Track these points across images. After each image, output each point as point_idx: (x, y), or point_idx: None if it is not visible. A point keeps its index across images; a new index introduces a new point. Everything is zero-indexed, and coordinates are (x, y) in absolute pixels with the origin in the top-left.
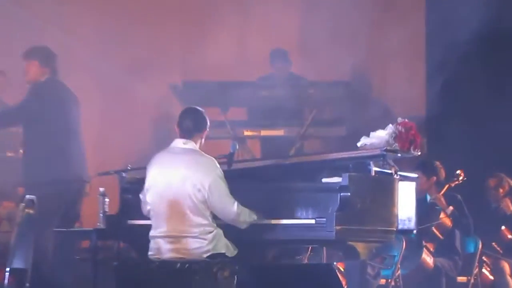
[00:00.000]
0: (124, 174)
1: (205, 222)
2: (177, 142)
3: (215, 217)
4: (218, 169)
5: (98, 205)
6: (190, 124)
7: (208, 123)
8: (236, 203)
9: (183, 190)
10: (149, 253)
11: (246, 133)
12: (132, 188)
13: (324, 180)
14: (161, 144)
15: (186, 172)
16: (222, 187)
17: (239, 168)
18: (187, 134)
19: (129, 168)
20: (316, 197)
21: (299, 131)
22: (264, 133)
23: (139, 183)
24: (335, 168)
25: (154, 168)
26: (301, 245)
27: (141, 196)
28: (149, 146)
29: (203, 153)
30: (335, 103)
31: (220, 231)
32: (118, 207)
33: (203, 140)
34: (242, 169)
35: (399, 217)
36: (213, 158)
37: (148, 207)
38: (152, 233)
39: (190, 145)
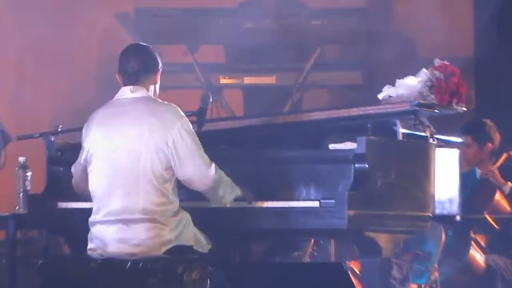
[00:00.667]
0: (52, 138)
1: (166, 199)
2: (122, 92)
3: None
4: (183, 118)
5: (17, 181)
6: (135, 65)
7: (160, 62)
8: (213, 165)
9: (137, 154)
10: (89, 246)
11: (223, 81)
12: (64, 157)
13: (332, 146)
14: (106, 97)
15: (139, 129)
16: (192, 143)
17: (213, 130)
18: (133, 79)
19: (59, 129)
20: (321, 170)
21: (297, 78)
22: (248, 80)
23: (74, 150)
24: (347, 129)
25: (94, 129)
26: (300, 236)
27: (73, 169)
28: (88, 99)
29: (159, 100)
30: (347, 39)
31: (187, 216)
32: (45, 184)
33: (157, 86)
34: (217, 131)
35: (437, 198)
36: (175, 105)
37: (83, 183)
38: (92, 218)
39: (141, 92)
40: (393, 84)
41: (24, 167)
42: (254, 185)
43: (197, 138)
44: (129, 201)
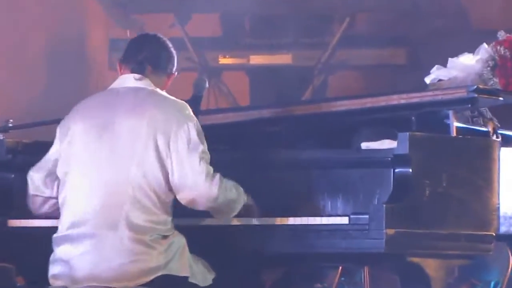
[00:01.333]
0: (0, 136)
1: (158, 217)
2: (121, 80)
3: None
4: (190, 119)
5: None
6: (149, 56)
7: (176, 62)
8: (217, 177)
9: (130, 153)
10: (50, 272)
11: (223, 60)
12: (16, 161)
13: (365, 145)
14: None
15: (136, 122)
16: (196, 149)
17: (209, 125)
18: (142, 68)
19: (9, 124)
20: (351, 176)
21: (320, 57)
22: (255, 60)
23: (30, 152)
24: (384, 123)
25: (79, 124)
26: (324, 262)
27: (31, 175)
28: (45, 89)
29: (167, 95)
30: (384, 5)
31: (182, 240)
32: None
33: (164, 91)
34: (214, 126)
35: (502, 213)
36: (185, 102)
37: (44, 194)
38: (58, 233)
39: (146, 83)
40: (444, 64)
41: None
42: (263, 197)
43: (204, 143)
44: (110, 212)
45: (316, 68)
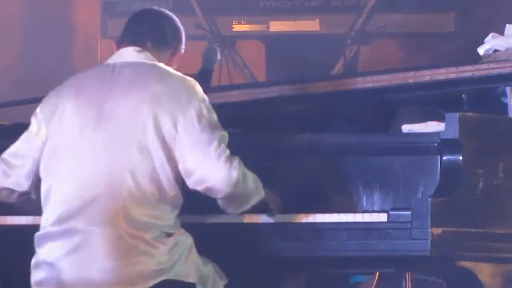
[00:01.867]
0: None
1: (162, 211)
2: (119, 54)
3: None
4: (204, 97)
5: None
6: (150, 29)
7: (184, 42)
8: (237, 160)
9: (129, 134)
10: (33, 279)
11: (237, 27)
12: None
13: (407, 128)
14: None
15: (137, 98)
16: (209, 130)
17: (221, 104)
18: (142, 41)
19: None
20: (391, 165)
21: (353, 23)
22: (275, 27)
23: (13, 135)
24: (429, 102)
25: (69, 103)
26: (358, 267)
27: (9, 159)
28: (22, 57)
29: (171, 69)
30: None
31: (189, 240)
32: None
33: (173, 66)
34: (227, 105)
35: None
36: (192, 79)
37: (26, 183)
38: (41, 230)
39: (149, 57)
40: (500, 32)
41: None
42: (283, 190)
43: (218, 123)
44: (106, 204)
45: (349, 36)
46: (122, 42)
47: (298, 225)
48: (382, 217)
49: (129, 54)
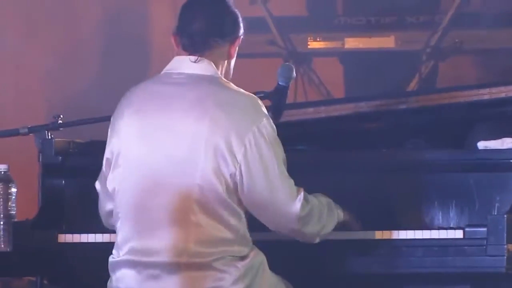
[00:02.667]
0: (49, 135)
1: (231, 235)
2: (178, 62)
3: (252, 228)
4: (265, 118)
5: None
6: (204, 24)
7: (242, 26)
8: (302, 194)
9: (188, 162)
10: None
11: (313, 44)
12: (67, 164)
13: (483, 145)
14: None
15: (196, 124)
16: (272, 158)
17: (297, 121)
18: (199, 44)
19: (59, 121)
20: (466, 182)
21: (428, 39)
22: (351, 44)
23: (84, 154)
24: (506, 118)
25: (126, 116)
26: (433, 284)
27: (98, 184)
28: (105, 78)
29: (232, 85)
30: None
31: (262, 258)
32: (38, 207)
33: (231, 64)
34: (303, 122)
35: None
36: (256, 97)
37: (110, 206)
38: (114, 256)
39: (207, 67)
40: None
41: (5, 180)
42: (360, 205)
43: (281, 151)
44: (172, 235)
45: (424, 53)
46: (178, 37)
47: (374, 242)
48: (458, 234)
49: (187, 63)
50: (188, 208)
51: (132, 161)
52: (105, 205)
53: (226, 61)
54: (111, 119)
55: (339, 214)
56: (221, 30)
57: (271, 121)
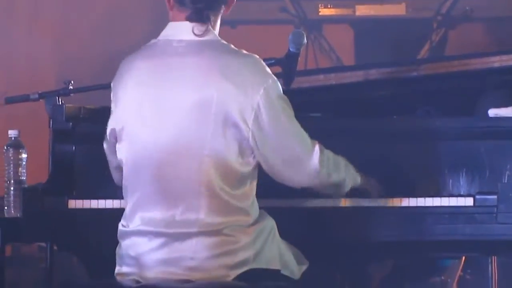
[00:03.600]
0: (60, 101)
1: (242, 203)
2: (177, 28)
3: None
4: (270, 78)
5: (5, 167)
6: None
7: None
8: (317, 147)
9: (197, 134)
10: (117, 270)
11: (324, 11)
12: (78, 130)
13: (493, 112)
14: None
15: (202, 95)
16: (283, 116)
17: (307, 88)
18: (200, 9)
19: (70, 87)
20: (476, 149)
21: (440, 7)
22: (362, 11)
23: (94, 120)
24: None
25: (130, 88)
26: (443, 252)
27: (105, 145)
28: (116, 42)
29: (233, 47)
30: None
31: (272, 223)
32: (48, 172)
33: (218, 20)
34: (314, 89)
35: None
36: (258, 58)
37: (117, 163)
38: (123, 226)
39: (208, 34)
40: None
41: (16, 145)
42: (369, 173)
43: (290, 109)
44: (183, 207)
45: (435, 20)
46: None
47: (384, 209)
48: (468, 201)
49: (188, 32)
50: (198, 180)
51: (138, 136)
52: (113, 162)
53: (217, 21)
54: (112, 84)
55: (356, 177)
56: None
57: (276, 80)
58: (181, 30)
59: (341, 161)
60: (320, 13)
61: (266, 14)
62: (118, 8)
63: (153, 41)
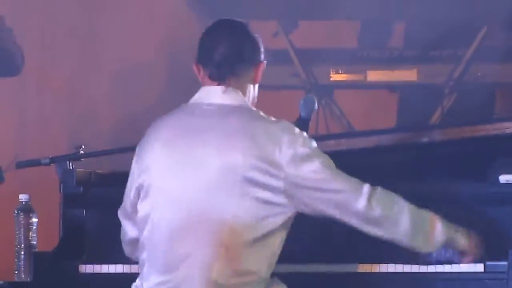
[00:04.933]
0: (71, 165)
1: (258, 267)
2: (205, 93)
3: None
4: (302, 135)
5: (16, 232)
6: (228, 51)
7: (263, 50)
8: (367, 186)
9: (225, 200)
10: None
11: (335, 76)
12: (88, 194)
13: (504, 179)
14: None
15: (231, 160)
16: (323, 165)
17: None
18: (224, 71)
19: (81, 151)
20: (486, 214)
21: (451, 73)
22: (373, 77)
23: (105, 184)
24: None
25: (157, 148)
26: None
27: (120, 213)
28: (132, 107)
29: (262, 114)
30: None
31: (280, 283)
32: (59, 237)
33: (256, 88)
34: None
35: None
36: (286, 121)
37: (133, 235)
38: (137, 285)
39: (236, 97)
40: None
41: (26, 209)
42: (377, 239)
43: (325, 156)
44: (200, 268)
45: (447, 86)
46: (202, 66)
47: (394, 275)
48: (479, 267)
49: (217, 93)
50: (218, 243)
51: (163, 195)
52: (128, 233)
53: (252, 86)
54: (137, 148)
55: (437, 227)
56: (245, 56)
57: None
58: (211, 94)
59: (399, 203)
60: (331, 79)
61: (278, 79)
62: (131, 70)
63: (183, 104)
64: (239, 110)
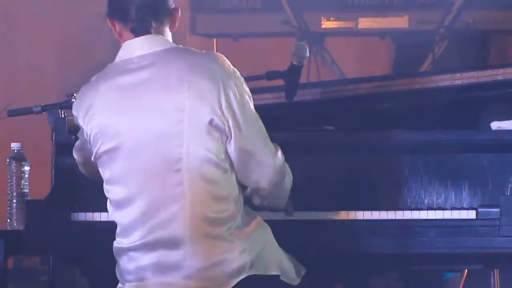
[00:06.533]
0: (62, 113)
1: (230, 201)
2: (133, 47)
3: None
4: (236, 72)
5: (8, 181)
6: (146, 5)
7: None
8: (279, 148)
9: (175, 136)
10: (119, 286)
11: (327, 24)
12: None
13: (496, 125)
14: None
15: (180, 98)
16: (253, 110)
17: (310, 102)
18: (146, 28)
19: (73, 99)
20: (479, 162)
21: (442, 19)
22: (365, 23)
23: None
24: None
25: (105, 119)
26: (445, 265)
27: (75, 153)
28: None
29: (192, 48)
30: None
31: (267, 228)
32: (51, 185)
33: (167, 33)
34: (316, 103)
35: None
36: (218, 53)
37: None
38: (118, 243)
39: (161, 41)
40: None
41: (18, 158)
42: (373, 186)
43: (252, 103)
44: (171, 211)
45: (438, 33)
46: (117, 21)
47: (387, 222)
48: (471, 214)
49: (138, 45)
50: (181, 179)
51: (120, 149)
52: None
53: (170, 34)
54: (77, 110)
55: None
56: (160, 5)
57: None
58: (137, 46)
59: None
60: (322, 26)
61: (268, 26)
62: None
63: (109, 65)
64: (170, 51)
